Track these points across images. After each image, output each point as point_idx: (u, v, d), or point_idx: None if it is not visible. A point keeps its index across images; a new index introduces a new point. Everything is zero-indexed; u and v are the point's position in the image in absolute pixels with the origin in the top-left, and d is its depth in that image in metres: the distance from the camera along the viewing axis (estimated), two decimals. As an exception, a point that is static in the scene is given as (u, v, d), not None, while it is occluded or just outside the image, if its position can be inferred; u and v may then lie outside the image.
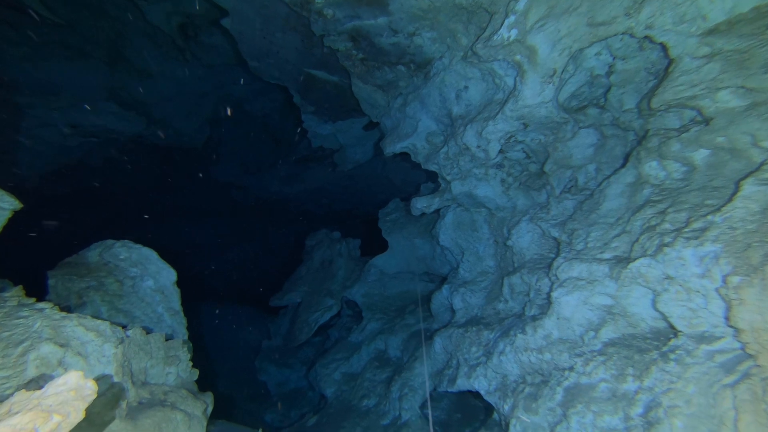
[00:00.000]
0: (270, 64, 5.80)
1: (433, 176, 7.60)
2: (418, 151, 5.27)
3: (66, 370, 2.41)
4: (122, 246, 3.91)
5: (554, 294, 3.25)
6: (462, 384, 3.98)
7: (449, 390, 4.15)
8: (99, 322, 2.65)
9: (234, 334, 9.05)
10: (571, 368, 2.94)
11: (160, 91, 7.75)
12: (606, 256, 3.07)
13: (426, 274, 6.70)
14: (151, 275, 4.03)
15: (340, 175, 9.96)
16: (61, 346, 2.39)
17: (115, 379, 2.57)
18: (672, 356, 2.33)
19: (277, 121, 9.87)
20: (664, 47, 2.67)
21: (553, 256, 3.89)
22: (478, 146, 4.28)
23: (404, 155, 7.94)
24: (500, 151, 4.29)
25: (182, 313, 4.14)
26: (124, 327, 2.92)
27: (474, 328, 4.24)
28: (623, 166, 3.27)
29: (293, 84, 6.22)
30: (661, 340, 2.60)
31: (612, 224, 3.20)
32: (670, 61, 2.69)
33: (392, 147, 5.43)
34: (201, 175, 10.82)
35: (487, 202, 4.80)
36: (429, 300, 6.56)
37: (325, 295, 6.86)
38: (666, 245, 2.55)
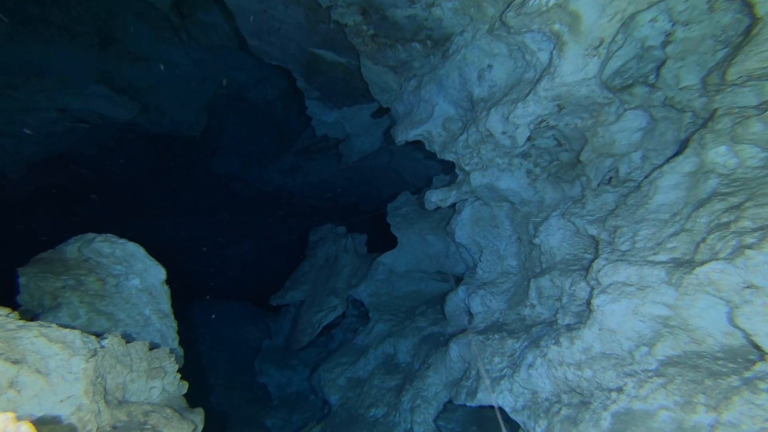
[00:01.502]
0: (271, 42, 5.33)
1: (448, 167, 7.14)
2: (434, 139, 4.81)
3: (20, 392, 2.00)
4: (104, 241, 3.48)
5: (596, 301, 2.81)
6: (483, 398, 3.56)
7: (468, 404, 3.73)
8: (66, 331, 2.23)
9: (233, 332, 8.68)
10: (619, 390, 2.51)
11: (154, 75, 7.29)
12: (661, 258, 2.62)
13: (438, 273, 6.27)
14: (137, 273, 3.61)
15: (345, 167, 9.50)
16: (15, 362, 1.98)
17: (84, 401, 2.16)
18: (763, 386, 1.88)
19: (280, 110, 9.41)
20: (747, 4, 2.19)
21: (589, 256, 3.45)
22: (504, 132, 3.82)
23: (416, 145, 7.46)
24: (528, 138, 3.83)
25: (172, 316, 3.73)
26: (99, 335, 2.50)
27: (496, 336, 3.81)
28: (679, 152, 2.81)
29: (297, 66, 5.75)
30: (738, 362, 2.15)
31: (666, 221, 2.74)
32: (754, 22, 2.22)
33: (404, 134, 4.97)
34: (200, 167, 10.39)
35: (511, 195, 4.35)
36: (442, 301, 6.14)
37: (330, 293, 6.45)
38: (747, 247, 2.09)
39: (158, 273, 3.70)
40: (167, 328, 3.67)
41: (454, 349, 4.27)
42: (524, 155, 4.21)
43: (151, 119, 7.71)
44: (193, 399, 3.16)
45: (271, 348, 7.88)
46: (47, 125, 6.72)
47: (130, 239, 3.73)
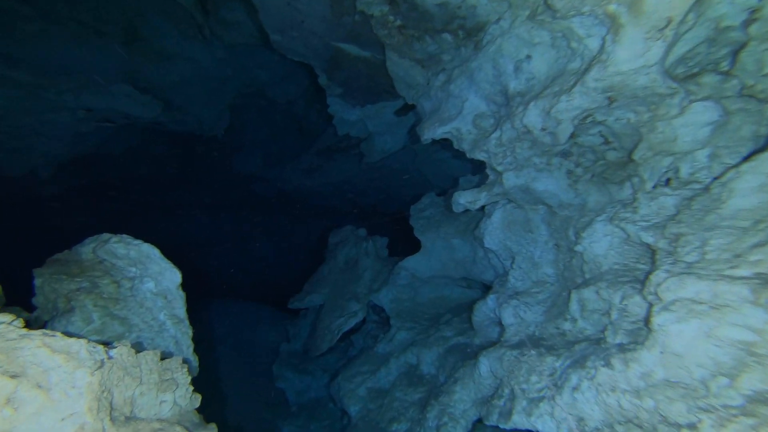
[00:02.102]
0: (294, 37, 5.15)
1: (475, 168, 6.79)
2: (463, 137, 4.50)
3: (17, 410, 1.83)
4: (119, 242, 3.35)
5: (657, 319, 2.44)
6: (520, 421, 3.22)
7: (502, 426, 3.40)
8: (72, 340, 2.05)
9: (252, 334, 8.58)
10: (692, 427, 2.14)
11: (178, 74, 7.27)
12: (742, 272, 2.23)
13: (464, 279, 5.93)
14: (152, 276, 3.47)
15: (366, 167, 9.27)
16: (14, 376, 1.80)
17: (88, 419, 1.98)
18: None
19: (302, 109, 9.28)
20: None
21: (644, 267, 3.06)
22: (544, 129, 3.48)
23: (441, 144, 7.15)
24: (571, 136, 3.47)
25: (187, 321, 3.57)
26: (108, 344, 2.33)
27: (533, 352, 3.46)
28: (762, 150, 2.41)
29: (319, 61, 5.56)
30: None
31: (747, 229, 2.35)
32: None
33: (431, 132, 4.68)
34: (222, 166, 10.39)
35: (548, 197, 3.99)
36: (468, 309, 5.80)
37: (350, 298, 6.21)
38: None
39: (174, 276, 3.54)
40: (182, 334, 3.51)
41: (485, 364, 3.94)
42: (564, 154, 3.85)
43: (174, 118, 7.71)
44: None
45: (290, 352, 7.72)
46: (75, 125, 6.79)
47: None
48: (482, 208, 4.91)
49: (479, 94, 4.25)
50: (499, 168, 4.14)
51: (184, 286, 3.97)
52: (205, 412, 2.93)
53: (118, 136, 8.55)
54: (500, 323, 4.57)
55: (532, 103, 3.45)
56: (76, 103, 6.29)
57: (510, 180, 4.06)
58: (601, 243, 3.34)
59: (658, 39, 2.50)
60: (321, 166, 10.02)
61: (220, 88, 8.03)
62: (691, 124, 2.76)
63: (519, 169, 4.01)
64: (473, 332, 4.92)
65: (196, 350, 3.84)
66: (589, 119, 3.29)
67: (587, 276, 3.47)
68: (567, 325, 3.47)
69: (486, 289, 5.90)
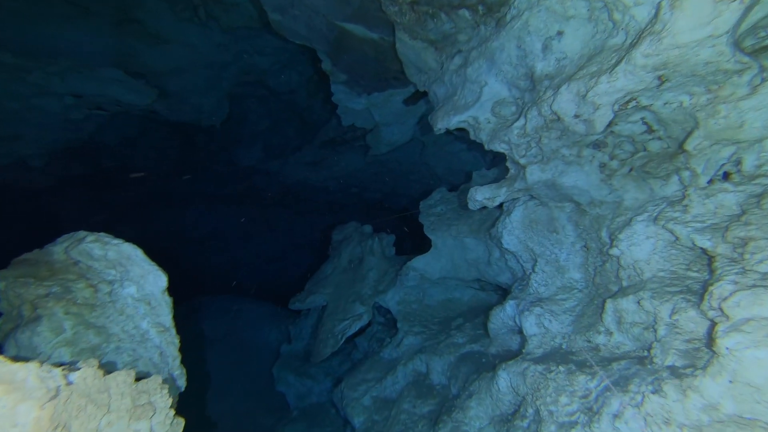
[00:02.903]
0: (295, 16, 4.72)
1: (493, 161, 6.36)
2: (481, 127, 4.07)
3: (-66, 459, 1.45)
4: (96, 241, 2.97)
5: (725, 342, 2.03)
6: (547, 448, 2.83)
7: (525, 451, 3.01)
8: (17, 366, 1.66)
9: (252, 333, 8.25)
10: (777, 478, 1.73)
11: (173, 59, 6.86)
12: (840, 289, 1.81)
13: (477, 281, 5.53)
14: (133, 280, 3.09)
15: (372, 160, 8.85)
16: (-68, 416, 1.44)
17: (33, 462, 1.60)
18: None
19: (304, 99, 8.85)
20: None
21: (697, 275, 2.64)
22: (577, 116, 3.04)
23: (452, 136, 6.70)
24: (609, 124, 3.03)
25: (174, 330, 3.19)
26: (71, 365, 1.96)
27: (561, 368, 3.06)
28: None
29: (322, 44, 5.12)
30: None
31: (842, 235, 1.92)
32: None
33: (445, 121, 4.25)
34: (221, 157, 10.01)
35: (577, 194, 3.56)
36: (481, 314, 5.41)
37: (354, 300, 5.84)
38: None
39: (158, 280, 3.17)
40: (167, 344, 3.14)
41: (504, 378, 3.55)
42: (597, 145, 3.41)
43: (170, 107, 7.31)
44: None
45: (291, 354, 7.38)
46: (64, 111, 6.42)
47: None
48: (500, 205, 4.49)
49: (500, 78, 3.81)
50: (522, 161, 3.71)
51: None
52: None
53: (112, 125, 8.17)
54: (520, 332, 4.17)
55: (563, 87, 3.01)
56: (64, 87, 5.90)
57: (534, 174, 3.63)
58: (642, 246, 2.92)
59: (733, 1, 2.05)
60: (324, 158, 9.61)
61: (218, 75, 7.62)
62: (763, 106, 2.32)
63: (545, 162, 3.57)
64: (488, 340, 4.53)
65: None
66: (632, 104, 2.85)
67: (625, 283, 3.05)
68: (601, 339, 3.06)
69: (501, 292, 5.50)
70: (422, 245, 5.82)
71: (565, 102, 3.03)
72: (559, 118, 3.16)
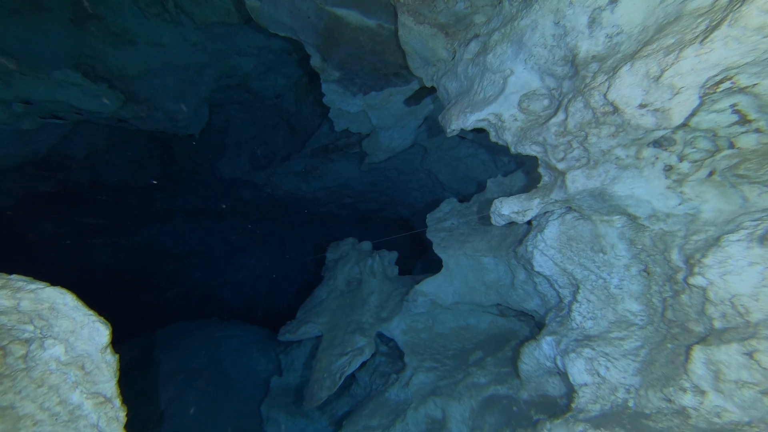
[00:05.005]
0: (276, 2, 3.99)
1: (507, 166, 5.68)
2: (505, 126, 3.35)
3: None
4: (2, 287, 2.16)
5: None
6: None
7: None
8: None
9: (236, 364, 7.36)
10: None
11: (142, 60, 6.08)
12: None
13: (496, 306, 4.78)
14: (60, 337, 2.27)
15: (367, 168, 8.11)
16: None
17: None
18: None
19: (292, 104, 8.10)
20: None
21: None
22: (644, 105, 2.33)
23: (457, 138, 6.04)
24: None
25: (119, 400, 2.37)
26: None
27: (637, 439, 2.30)
28: None
29: (310, 35, 4.39)
30: None
31: None
32: None
33: (460, 121, 3.53)
34: (203, 169, 9.18)
35: (633, 205, 2.85)
36: (501, 341, 4.67)
37: (354, 330, 5.04)
38: None
39: (96, 334, 2.35)
40: (108, 421, 2.31)
41: (551, 443, 2.78)
42: (661, 143, 2.71)
43: (139, 114, 6.51)
44: None
45: (281, 388, 6.52)
46: (14, 121, 5.57)
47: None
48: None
49: (530, 65, 3.11)
50: (561, 166, 2.99)
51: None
52: None
53: (76, 136, 7.32)
54: (559, 373, 3.43)
55: (624, 68, 2.31)
56: (9, 93, 5.08)
57: (577, 182, 2.91)
58: (744, 276, 2.20)
59: None
60: (316, 168, 8.84)
61: (195, 78, 6.84)
62: None
63: (592, 166, 2.86)
64: (519, 382, 3.76)
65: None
66: (724, 85, 2.15)
67: (718, 325, 2.32)
68: (688, 400, 2.31)
69: (525, 318, 4.75)
70: (427, 262, 5.08)
71: (627, 88, 2.32)
72: (616, 110, 2.45)
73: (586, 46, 2.69)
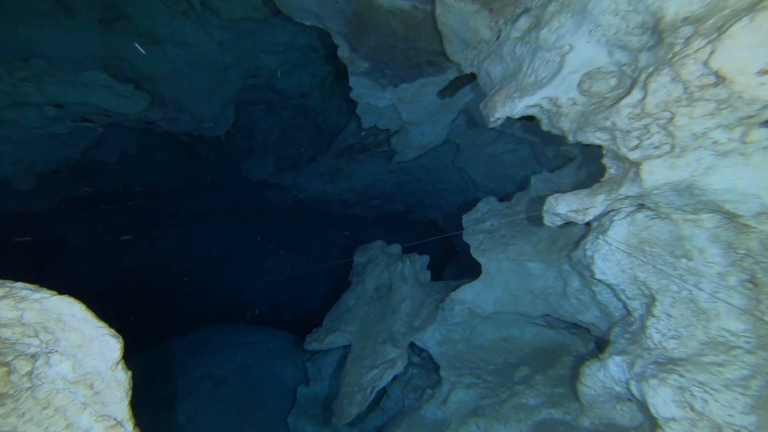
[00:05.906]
0: (302, -14, 3.71)
1: (552, 162, 5.18)
2: (562, 111, 2.91)
3: None
4: (4, 297, 1.95)
5: None
6: None
7: None
8: None
9: (263, 372, 7.16)
10: None
11: (169, 60, 6.01)
12: None
13: (543, 317, 4.29)
14: (67, 353, 2.02)
15: (395, 167, 7.75)
16: None
17: None
18: None
19: (318, 102, 7.88)
20: None
21: None
22: (764, 71, 1.85)
23: (495, 132, 5.59)
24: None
25: (131, 424, 2.12)
26: None
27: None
28: None
29: (338, 23, 4.09)
30: None
31: None
32: None
33: (507, 108, 3.12)
34: (229, 171, 9.11)
35: (733, 200, 2.33)
36: (549, 355, 4.17)
37: (385, 340, 4.68)
38: None
39: (106, 348, 2.09)
40: (118, 447, 2.08)
41: (630, 488, 2.29)
42: (769, 124, 2.19)
43: (167, 116, 6.45)
44: None
45: (308, 398, 6.24)
46: (47, 125, 5.60)
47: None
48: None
49: (596, 38, 2.66)
50: (634, 155, 2.52)
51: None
52: None
53: (108, 140, 7.38)
54: (630, 399, 2.93)
55: (740, 24, 1.83)
56: (41, 96, 5.09)
57: (658, 173, 2.42)
58: None
59: None
60: (342, 168, 8.58)
61: (221, 78, 6.73)
62: None
63: (678, 154, 2.37)
64: (578, 406, 3.27)
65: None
66: None
67: None
68: (828, 449, 1.79)
69: (579, 331, 4.23)
70: (461, 266, 4.65)
71: (741, 49, 1.85)
72: (721, 81, 1.98)
73: (675, 7, 2.22)
